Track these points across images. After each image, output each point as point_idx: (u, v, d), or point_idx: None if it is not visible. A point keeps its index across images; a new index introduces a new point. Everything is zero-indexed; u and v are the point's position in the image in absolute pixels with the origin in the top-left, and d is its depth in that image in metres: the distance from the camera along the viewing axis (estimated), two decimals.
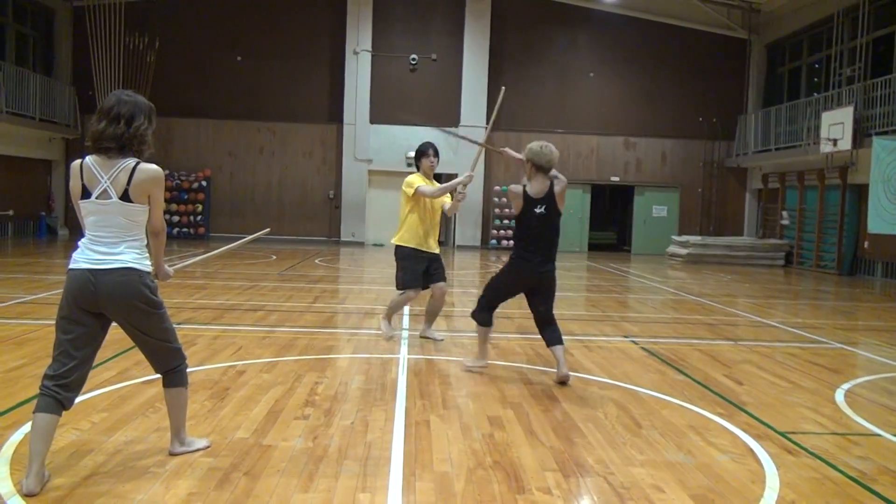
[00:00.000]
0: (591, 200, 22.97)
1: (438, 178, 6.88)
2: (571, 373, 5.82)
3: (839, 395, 5.56)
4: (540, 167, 5.54)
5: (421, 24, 22.16)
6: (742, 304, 11.21)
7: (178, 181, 21.45)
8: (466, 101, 21.67)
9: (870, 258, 16.96)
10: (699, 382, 5.81)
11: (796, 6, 20.06)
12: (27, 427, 3.72)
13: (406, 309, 8.77)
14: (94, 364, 3.64)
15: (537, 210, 5.52)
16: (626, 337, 7.86)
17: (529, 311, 5.83)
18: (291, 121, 22.17)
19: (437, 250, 6.97)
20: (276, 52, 21.89)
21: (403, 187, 6.86)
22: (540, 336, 5.79)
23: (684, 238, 20.57)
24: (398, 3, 22.04)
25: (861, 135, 15.96)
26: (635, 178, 22.91)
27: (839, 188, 17.52)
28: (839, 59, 18.02)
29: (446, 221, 23.20)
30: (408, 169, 18.79)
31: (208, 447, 3.86)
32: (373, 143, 21.64)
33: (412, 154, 7.56)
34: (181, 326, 7.11)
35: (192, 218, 21.68)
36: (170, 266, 3.81)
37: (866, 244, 16.89)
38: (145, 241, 3.53)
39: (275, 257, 16.29)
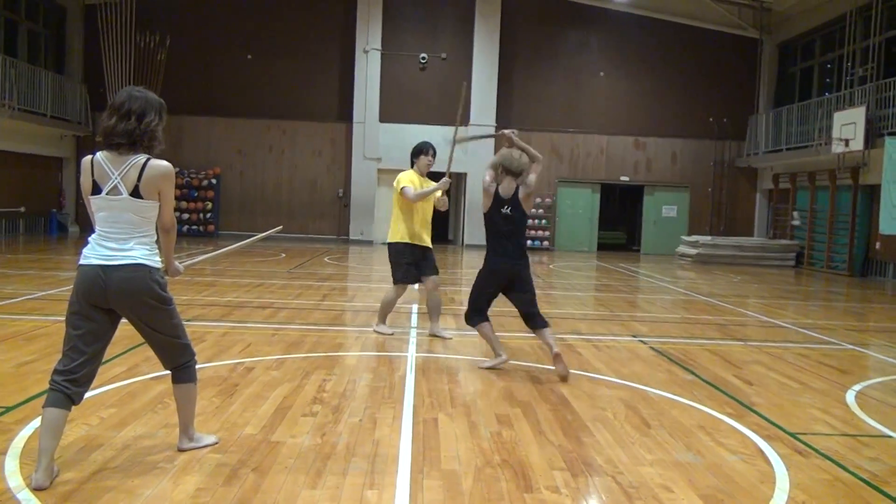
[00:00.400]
0: (601, 200, 22.92)
1: (436, 176, 7.08)
2: (581, 372, 5.81)
3: (850, 397, 5.52)
4: (509, 171, 5.89)
5: (431, 22, 22.15)
6: (752, 305, 11.16)
7: (188, 179, 21.51)
8: (476, 101, 21.64)
9: (881, 259, 16.85)
10: (709, 382, 5.78)
11: (809, 5, 19.94)
12: (37, 422, 3.74)
13: (414, 307, 8.78)
14: (104, 360, 3.65)
15: (503, 210, 5.89)
16: (635, 336, 7.83)
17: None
18: (301, 119, 22.20)
19: (429, 244, 7.19)
20: (287, 50, 21.93)
21: (395, 183, 7.12)
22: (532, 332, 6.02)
23: (694, 238, 20.48)
24: (408, 1, 22.03)
25: (873, 135, 15.85)
26: (645, 177, 22.83)
27: (851, 189, 17.41)
28: (852, 58, 17.90)
29: (455, 220, 23.20)
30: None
31: (217, 443, 3.86)
32: (382, 141, 21.63)
33: None
34: (190, 323, 7.13)
35: (201, 216, 21.75)
36: (180, 263, 3.82)
37: (878, 245, 16.78)
38: (155, 238, 3.53)
39: (284, 255, 16.33)
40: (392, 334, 7.18)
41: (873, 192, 16.73)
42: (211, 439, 3.87)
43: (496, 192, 5.91)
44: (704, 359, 6.74)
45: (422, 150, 7.19)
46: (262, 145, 22.34)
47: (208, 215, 21.80)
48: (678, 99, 22.50)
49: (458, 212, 22.82)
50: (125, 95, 3.44)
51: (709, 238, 20.38)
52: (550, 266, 17.17)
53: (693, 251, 19.96)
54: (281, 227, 6.11)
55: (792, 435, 4.48)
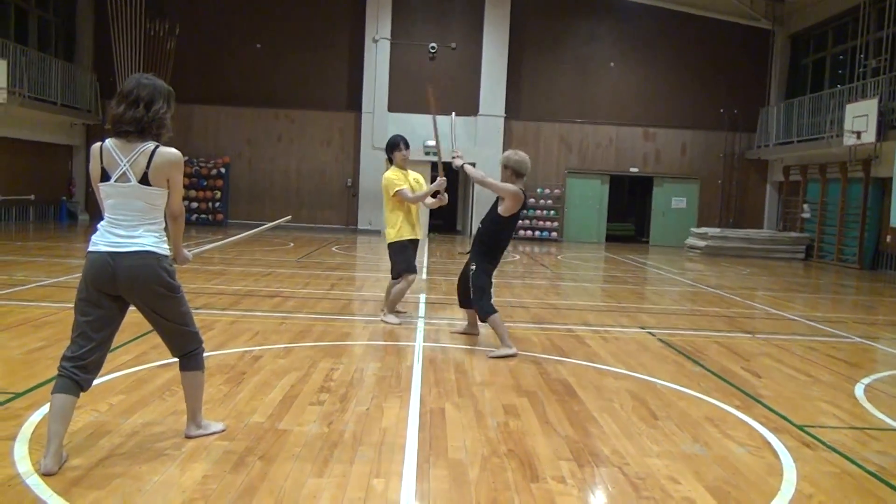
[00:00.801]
0: (610, 191, 22.85)
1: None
2: (588, 363, 5.80)
3: (859, 390, 5.50)
4: (520, 174, 6.14)
5: (440, 12, 22.07)
6: (761, 297, 11.11)
7: (197, 168, 21.56)
8: (485, 91, 21.58)
9: (892, 252, 16.74)
10: (716, 374, 5.77)
11: None
12: (46, 408, 3.76)
13: (422, 297, 8.78)
14: (112, 347, 3.67)
15: (523, 211, 6.32)
16: (642, 328, 7.81)
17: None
18: (310, 108, 22.19)
19: (420, 235, 7.43)
20: (296, 39, 21.89)
21: (385, 184, 7.15)
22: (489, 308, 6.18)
23: (703, 230, 20.40)
24: None
25: (886, 127, 15.71)
26: (654, 169, 22.73)
27: (862, 181, 17.29)
28: (865, 50, 17.74)
29: (464, 210, 23.17)
30: (425, 157, 18.78)
31: (224, 431, 3.88)
32: (391, 131, 21.37)
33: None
34: (198, 311, 7.15)
35: (210, 205, 21.80)
36: (188, 251, 3.83)
37: (888, 238, 16.66)
38: (164, 225, 3.54)
39: (292, 245, 16.35)
40: (400, 324, 7.18)
41: (885, 185, 16.61)
42: (218, 427, 3.89)
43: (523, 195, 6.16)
44: (712, 351, 6.72)
45: (396, 146, 7.25)
46: (270, 134, 22.34)
47: (217, 204, 21.84)
48: (688, 90, 22.37)
49: (466, 202, 22.80)
50: (134, 83, 3.44)
51: (718, 230, 20.30)
52: (559, 257, 17.14)
53: (702, 243, 19.88)
54: (290, 216, 6.13)
55: (800, 427, 4.47)
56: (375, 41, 21.56)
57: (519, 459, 3.71)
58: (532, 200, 21.77)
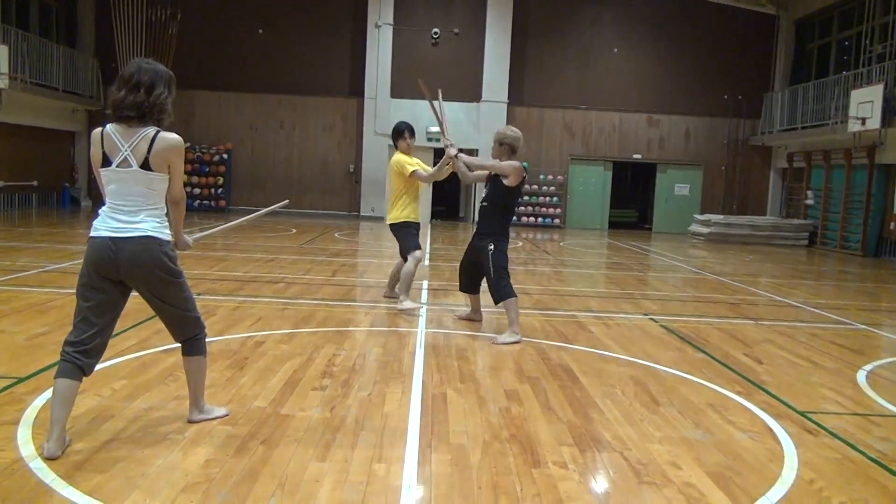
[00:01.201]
0: (613, 178, 22.78)
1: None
2: (591, 349, 5.80)
3: (861, 376, 5.49)
4: (515, 150, 6.20)
5: None
6: (764, 284, 11.10)
7: (200, 154, 21.53)
8: (488, 77, 21.48)
9: (895, 239, 16.71)
10: (718, 361, 5.77)
11: None
12: (49, 392, 3.77)
13: (425, 283, 8.78)
14: (115, 333, 3.67)
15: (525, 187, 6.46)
16: (645, 314, 7.81)
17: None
18: (312, 94, 22.11)
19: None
20: (298, 25, 21.79)
21: (395, 167, 7.13)
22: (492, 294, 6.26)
23: (707, 217, 20.35)
24: None
25: (890, 113, 15.63)
26: (658, 155, 22.66)
27: (866, 168, 17.21)
28: (870, 35, 17.61)
29: (466, 197, 23.12)
30: (428, 144, 18.72)
31: (226, 415, 3.89)
32: (394, 117, 21.36)
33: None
34: (201, 297, 7.16)
35: (212, 191, 21.78)
36: (189, 236, 3.82)
37: (892, 225, 16.63)
38: (165, 211, 3.53)
39: (294, 231, 16.35)
40: (420, 306, 7.20)
41: (889, 172, 16.54)
42: (221, 411, 3.90)
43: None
44: (715, 337, 6.72)
45: (401, 133, 7.24)
46: (273, 120, 22.29)
47: (219, 190, 21.83)
48: (692, 76, 22.25)
49: (468, 188, 22.75)
50: (135, 67, 3.42)
51: (721, 217, 20.25)
52: (561, 244, 17.12)
53: (705, 230, 19.85)
54: (287, 201, 6.10)
55: (801, 414, 4.47)
56: (378, 27, 21.45)
57: (521, 445, 3.71)
58: (535, 187, 21.77)
